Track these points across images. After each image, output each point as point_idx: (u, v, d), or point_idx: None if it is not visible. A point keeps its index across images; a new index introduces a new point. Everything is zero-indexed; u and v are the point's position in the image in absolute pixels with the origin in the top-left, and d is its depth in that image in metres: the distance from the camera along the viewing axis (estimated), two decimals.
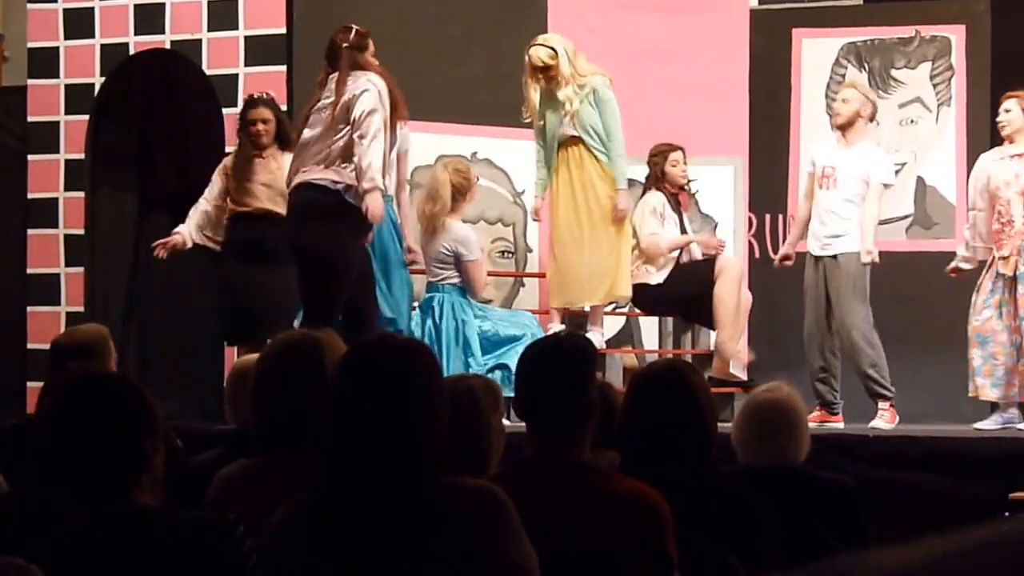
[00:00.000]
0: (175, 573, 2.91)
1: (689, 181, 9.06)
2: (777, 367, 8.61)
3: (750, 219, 9.68)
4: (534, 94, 8.13)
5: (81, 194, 9.54)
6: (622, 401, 4.05)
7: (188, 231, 8.24)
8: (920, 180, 9.62)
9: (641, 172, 8.77)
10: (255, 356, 3.97)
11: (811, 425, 5.09)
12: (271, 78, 8.93)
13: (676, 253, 8.67)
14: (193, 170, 9.33)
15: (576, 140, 8.09)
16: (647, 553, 3.30)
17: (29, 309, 9.57)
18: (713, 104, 9.39)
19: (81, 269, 9.53)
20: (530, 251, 9.34)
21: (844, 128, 8.07)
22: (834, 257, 7.96)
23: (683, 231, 8.71)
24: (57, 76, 9.53)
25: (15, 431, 5.34)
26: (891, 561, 1.67)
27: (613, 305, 9.04)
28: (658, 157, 8.66)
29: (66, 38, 9.52)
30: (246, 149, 8.18)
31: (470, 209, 8.47)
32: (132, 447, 2.99)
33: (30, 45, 9.65)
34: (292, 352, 3.66)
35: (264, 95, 8.28)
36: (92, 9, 9.49)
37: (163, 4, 9.38)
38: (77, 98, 9.49)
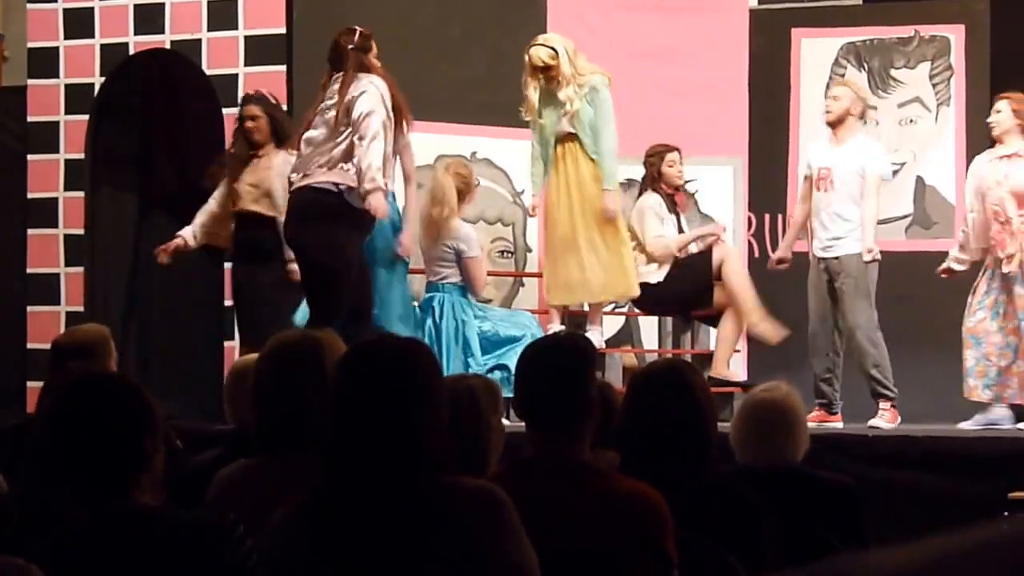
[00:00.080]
0: (175, 573, 2.91)
1: (687, 182, 9.06)
2: (777, 367, 8.61)
3: (749, 219, 9.69)
4: (533, 93, 8.13)
5: (81, 194, 9.54)
6: (622, 401, 4.05)
7: (192, 232, 8.26)
8: (919, 180, 9.62)
9: (639, 172, 8.77)
10: (255, 356, 3.97)
11: (810, 425, 5.10)
12: (271, 78, 8.93)
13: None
14: (193, 170, 9.33)
15: (573, 138, 8.09)
16: (647, 553, 3.31)
17: (29, 309, 9.57)
18: (713, 104, 9.40)
19: (81, 269, 9.53)
20: (529, 251, 9.34)
21: (835, 126, 8.07)
22: (837, 258, 7.97)
23: (680, 232, 8.71)
24: (57, 76, 9.53)
25: (15, 431, 5.34)
26: (891, 561, 1.68)
27: (612, 305, 9.05)
28: (655, 158, 8.65)
29: (66, 38, 9.53)
30: (239, 148, 8.19)
31: (470, 209, 8.47)
32: (132, 447, 2.99)
33: (30, 45, 9.65)
34: (292, 352, 3.66)
35: (255, 92, 8.29)
36: (92, 9, 9.49)
37: (163, 4, 9.38)
38: (77, 98, 9.49)
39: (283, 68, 9.09)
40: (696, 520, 3.57)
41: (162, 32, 9.39)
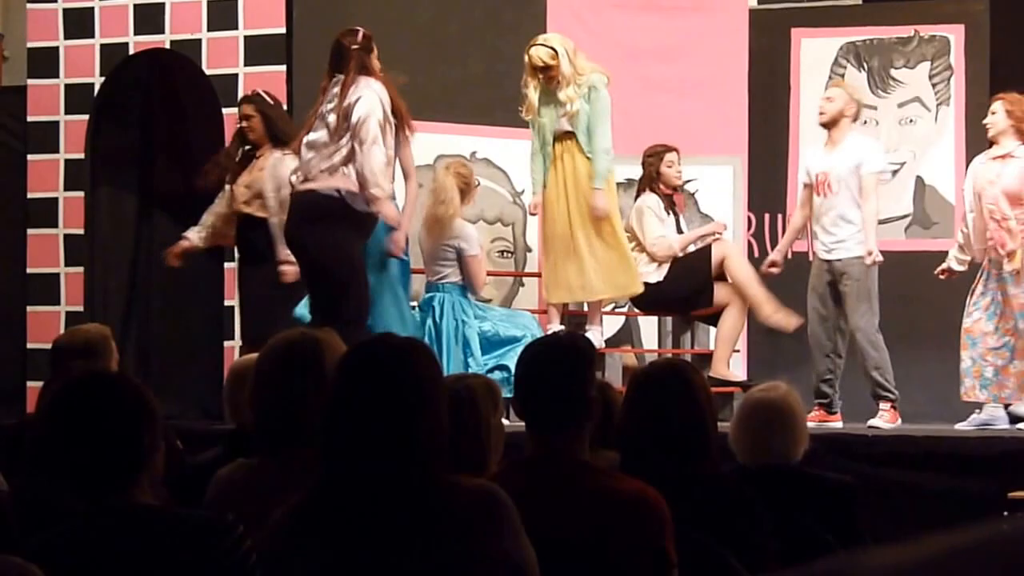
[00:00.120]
0: (174, 572, 2.91)
1: (686, 182, 9.06)
2: (777, 367, 8.62)
3: (749, 219, 9.69)
4: (533, 93, 8.12)
5: (81, 194, 9.54)
6: (622, 401, 4.05)
7: (198, 233, 8.29)
8: (919, 179, 9.62)
9: (639, 172, 8.77)
10: (254, 356, 3.97)
11: (810, 425, 5.10)
12: (271, 78, 8.94)
13: None
14: (193, 170, 9.33)
15: (571, 136, 8.09)
16: (647, 552, 3.31)
17: (29, 309, 9.58)
18: (712, 104, 9.40)
19: (81, 269, 9.54)
20: (529, 250, 9.34)
21: (829, 127, 8.07)
22: (840, 260, 7.97)
23: (679, 232, 8.71)
24: (57, 76, 9.54)
25: (15, 431, 5.34)
26: (890, 560, 1.68)
27: (612, 305, 9.05)
28: (653, 158, 8.65)
29: (66, 38, 9.53)
30: (234, 148, 8.22)
31: (470, 209, 8.48)
32: (131, 445, 2.99)
33: (30, 45, 9.66)
34: (291, 352, 3.66)
35: (251, 92, 8.31)
36: (92, 9, 9.50)
37: (163, 4, 9.38)
38: (77, 98, 9.49)
39: (283, 68, 9.09)
40: (696, 519, 3.58)
41: (162, 32, 9.39)
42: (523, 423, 3.53)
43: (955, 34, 9.60)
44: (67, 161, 9.53)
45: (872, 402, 7.95)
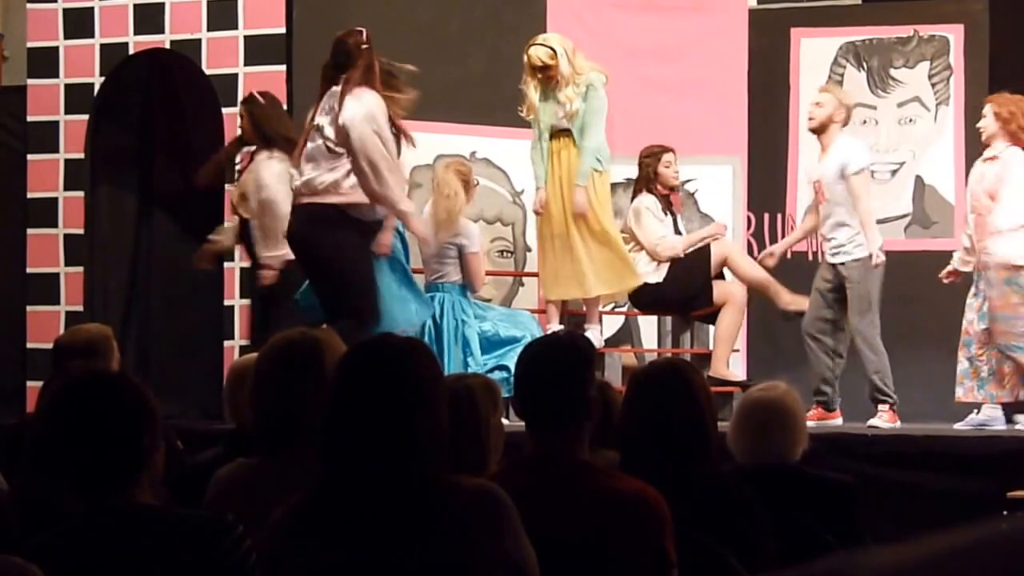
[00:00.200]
0: (174, 572, 2.91)
1: (685, 182, 9.06)
2: (776, 366, 8.62)
3: (749, 218, 9.69)
4: (533, 93, 8.13)
5: (81, 194, 9.54)
6: (621, 400, 4.06)
7: (221, 234, 8.38)
8: (919, 179, 9.62)
9: (634, 172, 8.77)
10: (254, 355, 3.98)
11: (809, 424, 5.10)
12: (271, 78, 8.93)
13: None
14: (193, 170, 9.33)
15: (567, 134, 8.10)
16: (646, 552, 3.31)
17: (28, 308, 9.58)
18: (712, 103, 9.40)
19: (80, 269, 9.54)
20: (529, 250, 9.34)
21: (818, 132, 8.07)
22: (843, 264, 7.98)
23: (677, 232, 8.71)
24: (57, 76, 9.54)
25: (15, 430, 5.34)
26: (890, 560, 1.68)
27: (612, 304, 9.05)
28: (650, 159, 8.65)
29: (66, 38, 9.53)
30: (232, 149, 8.24)
31: (469, 209, 8.49)
32: (131, 445, 2.99)
33: (30, 45, 9.66)
34: (291, 352, 3.66)
35: (247, 94, 8.32)
36: (92, 9, 9.50)
37: (163, 4, 9.38)
38: (77, 98, 9.49)
39: (283, 68, 9.09)
40: (696, 519, 3.58)
41: (162, 32, 9.39)
42: (523, 423, 3.53)
43: (954, 34, 9.61)
44: (67, 161, 9.54)
45: (874, 406, 7.96)
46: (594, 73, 8.11)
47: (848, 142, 8.05)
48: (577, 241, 8.09)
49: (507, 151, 9.23)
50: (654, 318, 9.06)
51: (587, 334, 7.74)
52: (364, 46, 6.91)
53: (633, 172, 8.83)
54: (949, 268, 8.18)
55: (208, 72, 9.30)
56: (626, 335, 9.53)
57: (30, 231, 9.59)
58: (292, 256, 7.65)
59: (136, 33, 9.43)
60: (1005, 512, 5.91)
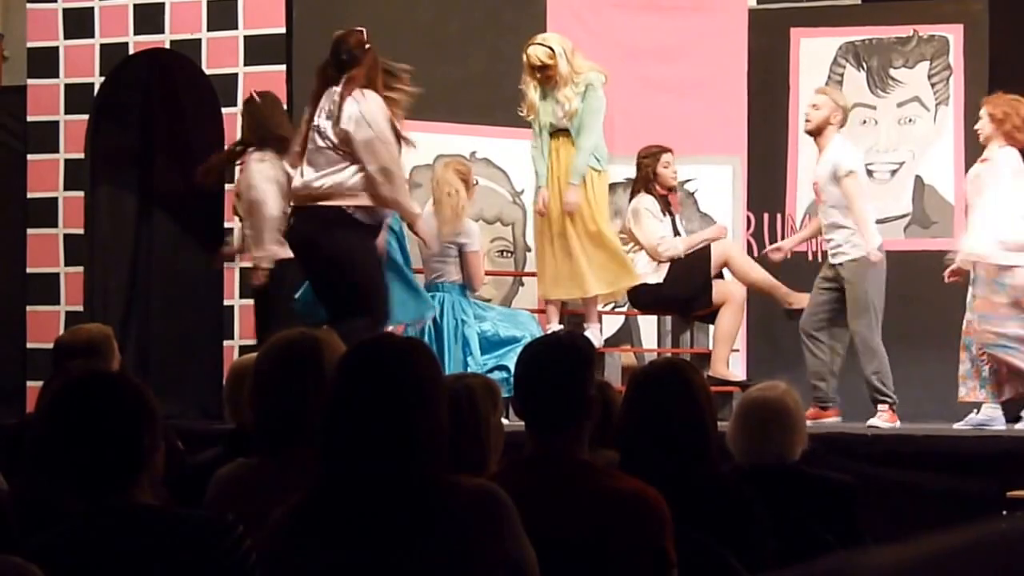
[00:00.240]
0: (174, 572, 2.91)
1: (685, 182, 9.06)
2: (776, 366, 8.62)
3: (748, 218, 9.69)
4: (532, 92, 8.14)
5: (80, 194, 9.55)
6: (621, 400, 4.06)
7: (232, 236, 8.44)
8: (918, 179, 9.62)
9: (633, 172, 8.77)
10: (254, 355, 3.98)
11: (809, 423, 5.09)
12: (271, 78, 8.94)
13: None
14: (193, 170, 9.33)
15: (565, 133, 8.12)
16: (646, 552, 3.31)
17: (28, 308, 9.58)
18: (712, 103, 9.40)
19: (80, 268, 9.54)
20: (529, 250, 9.34)
21: (814, 135, 8.07)
22: (841, 264, 7.99)
23: (676, 233, 8.71)
24: (57, 76, 9.54)
25: (15, 430, 5.34)
26: (889, 560, 1.68)
27: (612, 304, 9.06)
28: (649, 159, 8.65)
29: (66, 38, 9.53)
30: (231, 150, 8.25)
31: (469, 208, 8.49)
32: (131, 445, 2.99)
33: (30, 45, 9.66)
34: (290, 351, 3.66)
35: (248, 95, 8.33)
36: (92, 9, 9.50)
37: (163, 4, 9.39)
38: (77, 98, 9.50)
39: (283, 68, 9.10)
40: (696, 519, 3.58)
41: (162, 32, 9.40)
42: (523, 423, 3.53)
43: (954, 34, 9.61)
44: (67, 161, 9.54)
45: (873, 405, 7.96)
46: (593, 73, 8.12)
47: (839, 144, 8.04)
48: (574, 241, 8.10)
49: (507, 151, 9.23)
50: (654, 318, 9.06)
51: (586, 333, 7.75)
52: (367, 46, 6.88)
53: (632, 172, 8.83)
54: (952, 267, 8.18)
55: (208, 72, 9.31)
56: (626, 335, 9.53)
57: (30, 231, 9.60)
58: (283, 255, 7.68)
59: (136, 33, 9.43)
60: (1005, 512, 5.91)
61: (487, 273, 8.69)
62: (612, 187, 8.74)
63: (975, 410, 7.94)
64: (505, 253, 9.41)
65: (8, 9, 10.64)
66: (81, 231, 9.54)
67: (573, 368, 3.49)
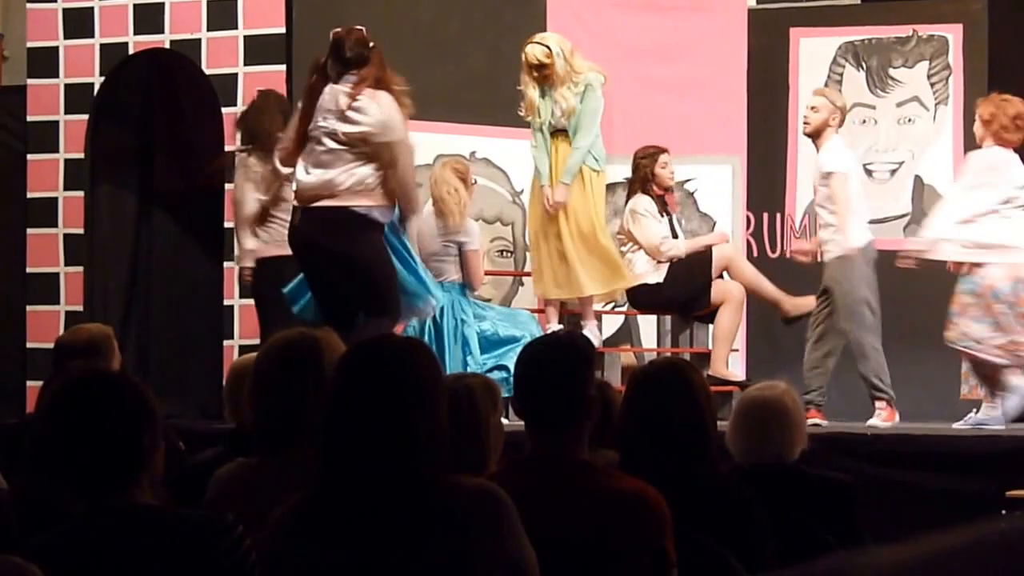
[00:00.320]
0: (174, 572, 2.91)
1: (684, 182, 9.06)
2: (776, 366, 8.63)
3: (748, 218, 9.69)
4: (532, 92, 8.14)
5: (80, 193, 9.55)
6: (621, 400, 4.06)
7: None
8: (918, 179, 9.63)
9: (628, 172, 8.77)
10: (254, 355, 3.98)
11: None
12: (270, 78, 8.94)
13: None
14: (193, 170, 9.35)
15: (564, 133, 8.12)
16: (646, 552, 3.31)
17: (28, 308, 9.58)
18: (711, 103, 9.40)
19: (80, 268, 9.54)
20: (528, 250, 9.35)
21: (813, 137, 8.08)
22: (827, 263, 8.01)
23: (674, 233, 8.71)
24: (57, 76, 9.54)
25: (15, 430, 5.34)
26: (889, 559, 1.68)
27: (612, 304, 9.06)
28: (647, 159, 8.64)
29: (66, 38, 9.53)
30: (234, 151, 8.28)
31: (468, 208, 8.50)
32: (131, 444, 2.99)
33: (30, 45, 9.66)
34: (290, 351, 3.67)
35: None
36: (92, 9, 9.50)
37: (163, 4, 9.39)
38: (77, 98, 9.50)
39: (283, 68, 9.10)
40: (695, 519, 3.58)
41: (162, 32, 9.40)
42: (523, 423, 3.53)
43: (953, 33, 9.61)
44: (67, 161, 9.54)
45: (871, 403, 7.96)
46: (592, 73, 8.12)
47: (830, 145, 8.05)
48: (568, 241, 8.11)
49: (507, 151, 9.24)
50: (653, 318, 9.06)
51: (584, 331, 7.76)
52: (371, 44, 6.85)
53: (625, 172, 8.83)
54: (904, 253, 8.21)
55: (208, 72, 9.31)
56: (625, 335, 9.53)
57: (30, 231, 9.60)
58: (266, 253, 7.71)
59: (136, 33, 9.44)
60: (1004, 511, 5.91)
61: (487, 273, 8.70)
62: (611, 187, 8.75)
63: (974, 409, 7.95)
64: (505, 253, 9.41)
65: (8, 9, 10.64)
66: (81, 231, 9.54)
67: (573, 368, 3.49)
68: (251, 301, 8.38)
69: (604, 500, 3.34)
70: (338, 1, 9.08)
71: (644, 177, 8.65)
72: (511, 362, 7.43)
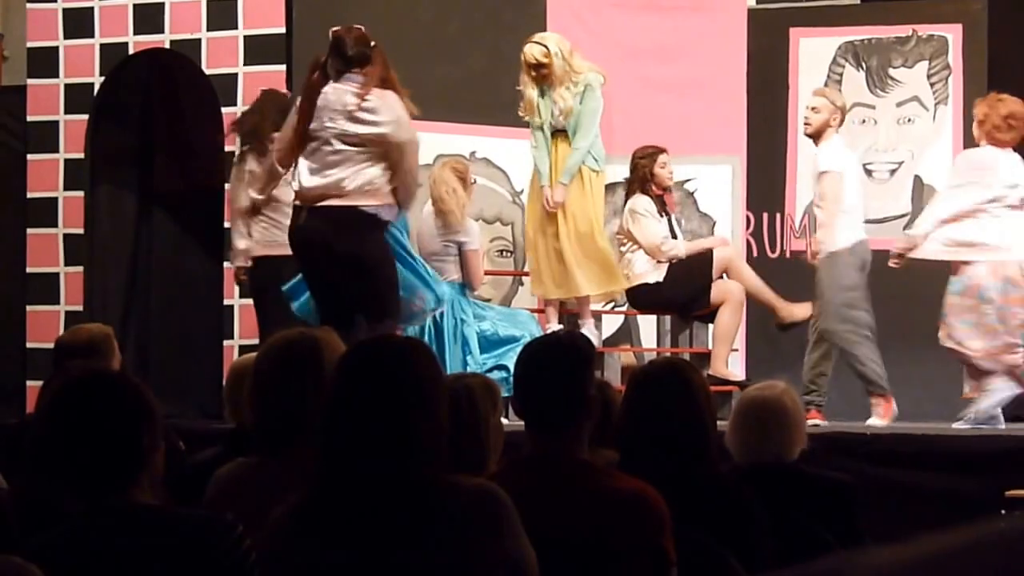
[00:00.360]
0: (174, 572, 2.91)
1: (684, 182, 9.05)
2: (776, 366, 8.63)
3: (748, 218, 9.69)
4: (530, 91, 8.15)
5: (80, 193, 9.55)
6: (621, 400, 4.06)
7: None
8: (917, 179, 9.63)
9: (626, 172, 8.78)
10: (254, 355, 3.98)
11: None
12: (270, 77, 8.94)
13: None
14: (193, 170, 9.35)
15: (563, 134, 8.13)
16: (645, 551, 3.31)
17: (28, 308, 9.59)
18: (711, 103, 9.40)
19: (80, 268, 9.55)
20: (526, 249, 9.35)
21: (814, 137, 8.08)
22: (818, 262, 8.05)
23: (672, 234, 8.71)
24: (57, 76, 9.55)
25: (15, 430, 5.34)
26: (888, 559, 1.68)
27: (612, 304, 9.06)
28: (646, 159, 8.64)
29: (66, 38, 9.54)
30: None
31: (468, 208, 8.50)
32: (130, 444, 2.99)
33: (30, 45, 9.67)
34: (290, 351, 3.67)
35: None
36: (92, 9, 9.51)
37: (162, 4, 9.39)
38: (77, 98, 9.50)
39: (283, 68, 9.10)
40: (695, 519, 3.58)
41: (162, 32, 9.40)
42: (523, 423, 3.53)
43: (953, 33, 9.61)
44: (67, 161, 9.55)
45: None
46: (592, 74, 8.12)
47: (828, 144, 8.06)
48: (565, 242, 8.12)
49: (507, 151, 9.24)
50: (653, 317, 9.06)
51: (582, 330, 7.77)
52: (373, 43, 6.83)
53: (624, 173, 8.83)
54: (896, 250, 8.23)
55: (208, 72, 9.31)
56: (625, 334, 9.53)
57: (30, 231, 9.60)
58: (258, 252, 7.72)
59: (136, 33, 9.44)
60: (1003, 511, 5.91)
61: (487, 273, 8.70)
62: (611, 187, 8.75)
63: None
64: (505, 253, 9.41)
65: (8, 9, 10.65)
66: (81, 231, 9.54)
67: (573, 368, 3.49)
68: (251, 301, 8.38)
69: (604, 500, 3.34)
70: (338, 1, 9.08)
71: (643, 177, 8.65)
72: (511, 362, 7.44)
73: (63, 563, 2.87)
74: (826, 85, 9.36)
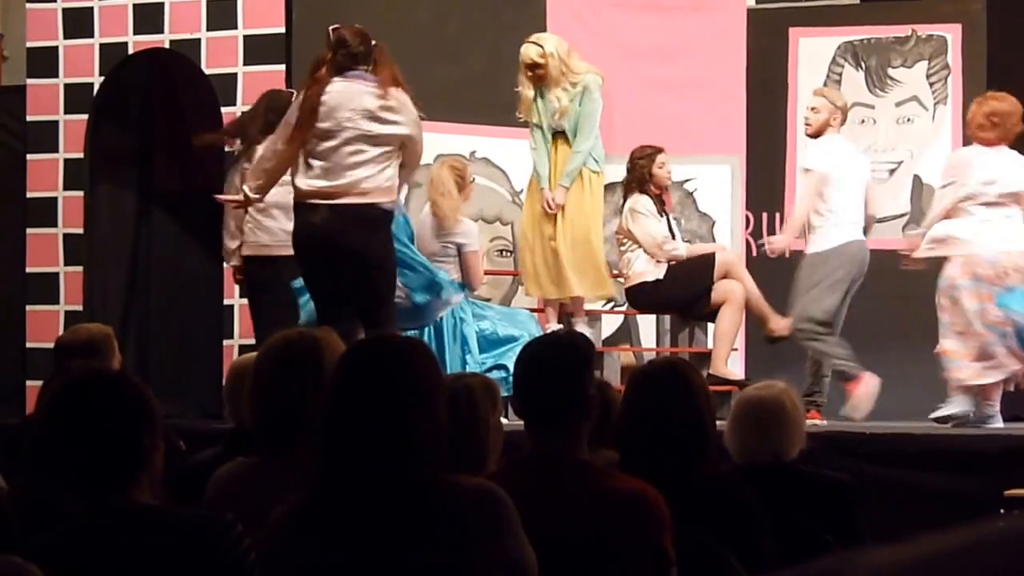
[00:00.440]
0: (173, 572, 2.91)
1: (684, 182, 9.05)
2: (775, 365, 8.62)
3: (747, 217, 9.69)
4: (528, 91, 8.15)
5: (80, 193, 9.55)
6: (620, 399, 4.06)
7: None
8: (916, 179, 9.63)
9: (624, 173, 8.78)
10: (254, 355, 3.98)
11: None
12: (270, 77, 8.95)
13: None
14: (192, 169, 9.35)
15: (562, 135, 8.13)
16: (645, 551, 3.32)
17: (28, 308, 9.59)
18: (711, 103, 9.40)
19: (80, 268, 9.55)
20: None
21: (815, 138, 8.09)
22: None
23: (671, 233, 8.71)
24: (56, 75, 9.55)
25: (15, 430, 5.34)
26: (887, 559, 1.69)
27: (611, 304, 9.06)
28: (644, 159, 8.63)
29: (65, 37, 9.54)
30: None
31: (468, 207, 8.51)
32: (130, 444, 2.99)
33: (29, 45, 9.67)
34: (290, 351, 3.67)
35: None
36: (91, 9, 9.51)
37: (162, 4, 9.39)
38: (76, 97, 9.50)
39: (282, 68, 9.10)
40: (695, 518, 3.58)
41: (161, 32, 9.40)
42: (522, 423, 3.54)
43: (952, 33, 9.61)
44: (66, 161, 9.54)
45: (876, 402, 7.96)
46: (590, 75, 8.13)
47: (819, 143, 8.10)
48: (561, 243, 8.13)
49: (507, 151, 9.24)
50: (653, 317, 9.07)
51: (577, 328, 7.79)
52: (374, 42, 6.81)
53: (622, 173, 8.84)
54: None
55: (208, 72, 9.31)
56: (625, 334, 9.53)
57: (30, 231, 9.60)
58: (248, 252, 7.71)
59: (136, 33, 9.44)
60: (1003, 511, 5.91)
61: (486, 273, 8.70)
62: (611, 187, 8.75)
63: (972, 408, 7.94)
64: (504, 252, 9.41)
65: (8, 9, 10.64)
66: (81, 231, 9.54)
67: (573, 368, 3.49)
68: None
69: (604, 500, 3.34)
70: (338, 1, 9.08)
71: (641, 177, 8.64)
72: (510, 362, 7.44)
73: (63, 563, 2.87)
74: (825, 85, 9.37)
